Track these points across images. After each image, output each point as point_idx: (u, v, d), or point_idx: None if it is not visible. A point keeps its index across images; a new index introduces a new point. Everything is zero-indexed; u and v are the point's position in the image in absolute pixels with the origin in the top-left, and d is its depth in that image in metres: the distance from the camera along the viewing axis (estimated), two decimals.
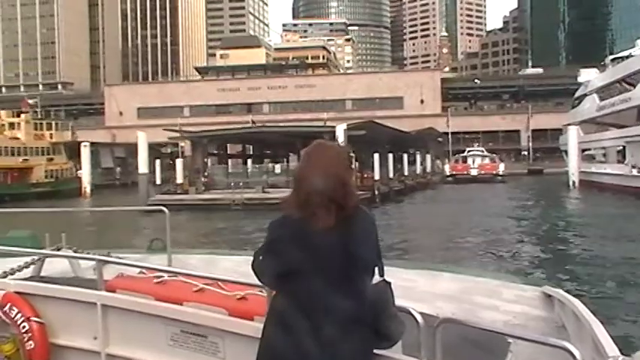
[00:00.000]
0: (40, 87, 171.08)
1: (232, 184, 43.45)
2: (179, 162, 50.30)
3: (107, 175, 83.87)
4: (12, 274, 5.52)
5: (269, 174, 50.76)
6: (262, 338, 2.92)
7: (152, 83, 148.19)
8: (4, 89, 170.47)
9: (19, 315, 4.43)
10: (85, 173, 63.06)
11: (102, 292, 4.36)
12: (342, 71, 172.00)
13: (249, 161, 61.98)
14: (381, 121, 74.28)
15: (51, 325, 4.49)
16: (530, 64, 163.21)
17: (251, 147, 64.73)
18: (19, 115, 67.04)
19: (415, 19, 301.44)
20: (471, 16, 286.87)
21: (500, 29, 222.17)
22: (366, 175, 48.17)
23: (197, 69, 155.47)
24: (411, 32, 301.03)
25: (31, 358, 4.38)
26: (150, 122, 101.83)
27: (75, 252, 6.43)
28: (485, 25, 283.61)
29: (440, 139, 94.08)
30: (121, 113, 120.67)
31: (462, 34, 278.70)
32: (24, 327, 4.39)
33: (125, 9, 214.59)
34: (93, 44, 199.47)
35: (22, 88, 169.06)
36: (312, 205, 2.72)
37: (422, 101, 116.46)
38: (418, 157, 66.71)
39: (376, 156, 47.75)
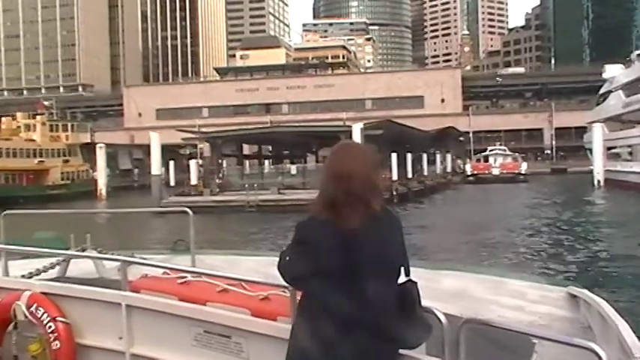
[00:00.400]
0: (61, 89, 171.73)
1: (246, 185, 42.38)
2: (193, 163, 49.33)
3: (125, 176, 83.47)
4: (38, 275, 5.70)
5: (285, 175, 49.66)
6: (291, 339, 2.92)
7: (171, 84, 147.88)
8: (25, 92, 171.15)
9: (46, 315, 4.45)
10: (101, 175, 62.40)
11: (126, 292, 4.38)
12: (362, 71, 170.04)
13: (268, 162, 61.19)
14: (401, 121, 73.12)
15: (76, 325, 4.51)
16: (552, 61, 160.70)
17: (269, 147, 63.74)
18: (34, 117, 66.47)
19: (436, 17, 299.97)
20: (492, 14, 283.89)
21: (522, 27, 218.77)
22: (383, 176, 46.93)
23: (217, 70, 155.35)
24: (432, 31, 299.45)
25: (57, 357, 4.38)
26: (169, 123, 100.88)
27: (99, 253, 6.52)
28: (507, 23, 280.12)
29: (461, 138, 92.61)
30: (140, 114, 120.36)
31: (483, 32, 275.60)
32: (50, 327, 4.41)
33: (145, 10, 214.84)
34: (113, 46, 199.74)
35: (43, 91, 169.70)
36: (339, 205, 2.72)
37: (442, 100, 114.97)
38: (438, 157, 65.27)
39: (394, 156, 46.44)
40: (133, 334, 4.35)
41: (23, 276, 5.50)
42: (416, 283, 2.91)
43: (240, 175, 49.22)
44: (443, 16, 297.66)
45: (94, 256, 6.39)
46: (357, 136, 40.28)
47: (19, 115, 66.78)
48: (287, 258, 2.91)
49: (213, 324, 3.97)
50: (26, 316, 4.52)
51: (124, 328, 4.33)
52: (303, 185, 46.90)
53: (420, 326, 2.87)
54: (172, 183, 50.82)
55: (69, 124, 70.46)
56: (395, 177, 46.48)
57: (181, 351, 4.12)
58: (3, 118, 65.83)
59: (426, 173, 60.19)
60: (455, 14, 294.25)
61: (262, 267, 5.96)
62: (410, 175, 52.57)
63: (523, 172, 72.94)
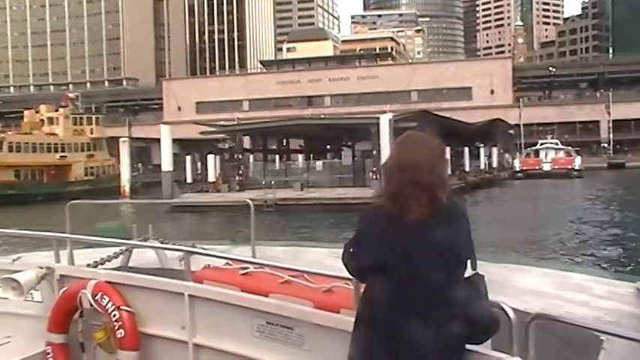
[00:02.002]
0: (106, 83, 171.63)
1: (264, 182, 38.73)
2: (211, 158, 45.80)
3: (159, 172, 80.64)
4: (102, 264, 5.78)
5: (310, 171, 45.70)
6: (354, 332, 2.87)
7: (211, 77, 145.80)
8: (71, 86, 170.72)
9: (110, 304, 4.50)
10: (124, 171, 59.34)
11: (189, 282, 4.41)
12: (407, 62, 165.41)
13: (300, 157, 57.45)
14: (448, 113, 69.04)
15: (140, 314, 4.55)
16: (611, 51, 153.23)
17: (301, 141, 59.77)
18: (57, 110, 63.91)
19: (489, 8, 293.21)
20: (547, 3, 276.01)
21: (578, 16, 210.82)
22: None
23: (262, 62, 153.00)
24: (484, 22, 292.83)
25: (121, 345, 4.43)
26: (209, 117, 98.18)
27: (161, 243, 6.60)
28: (563, 12, 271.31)
29: (511, 131, 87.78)
30: (179, 108, 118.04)
31: (537, 23, 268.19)
32: (115, 315, 4.47)
33: (192, 4, 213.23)
34: (158, 40, 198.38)
35: (88, 85, 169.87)
36: (404, 196, 2.69)
37: (492, 91, 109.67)
38: (482, 151, 60.56)
39: None
40: (196, 324, 4.37)
41: (88, 265, 5.52)
42: (483, 276, 2.83)
43: (261, 171, 45.42)
44: (496, 7, 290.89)
45: (156, 246, 6.48)
46: (385, 129, 36.13)
47: (42, 107, 64.31)
48: (350, 249, 2.86)
49: (276, 315, 3.95)
50: (92, 305, 4.56)
51: (187, 318, 4.35)
52: (330, 182, 43.07)
53: (488, 321, 2.76)
54: (189, 179, 47.24)
55: (94, 117, 67.58)
56: None
57: (243, 342, 4.13)
58: (26, 112, 63.47)
59: (467, 169, 55.58)
60: (508, 4, 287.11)
61: (324, 258, 6.34)
62: (449, 172, 47.99)
63: (577, 167, 68.26)
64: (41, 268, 5.02)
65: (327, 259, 5.48)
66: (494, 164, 66.16)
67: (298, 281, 4.02)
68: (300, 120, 44.19)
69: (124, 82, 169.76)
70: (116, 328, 4.45)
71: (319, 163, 45.97)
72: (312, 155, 57.27)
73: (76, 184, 59.15)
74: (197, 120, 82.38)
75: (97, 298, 4.55)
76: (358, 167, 44.11)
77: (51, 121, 62.64)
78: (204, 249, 5.44)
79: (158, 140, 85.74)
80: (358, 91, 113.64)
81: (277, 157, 57.17)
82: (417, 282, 2.65)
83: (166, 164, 40.09)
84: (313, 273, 4.04)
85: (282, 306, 3.92)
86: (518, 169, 69.41)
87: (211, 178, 45.19)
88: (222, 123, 53.40)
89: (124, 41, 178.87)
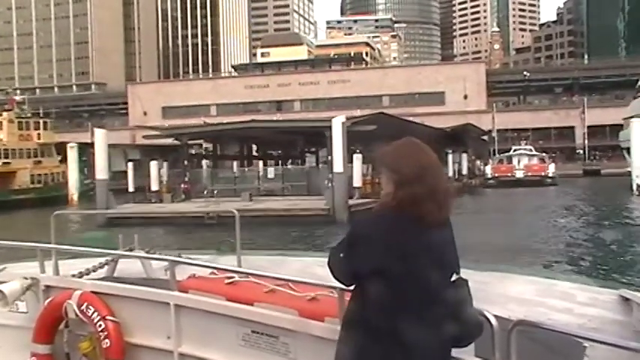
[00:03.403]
0: (74, 88, 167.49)
1: (205, 192, 35.39)
2: (153, 165, 42.24)
3: (119, 179, 76.64)
4: (87, 275, 5.70)
5: (262, 179, 42.32)
6: (348, 335, 2.87)
7: (177, 81, 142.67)
8: (38, 91, 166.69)
9: (96, 314, 4.53)
10: (72, 178, 55.65)
11: (175, 292, 4.43)
12: (378, 65, 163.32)
13: (261, 164, 54.14)
14: (421, 119, 66.20)
15: (126, 324, 4.58)
16: (586, 56, 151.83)
17: (255, 147, 56.26)
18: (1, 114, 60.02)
19: (465, 14, 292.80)
20: (523, 10, 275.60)
21: (553, 22, 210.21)
22: (377, 181, 39.62)
23: (234, 67, 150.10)
24: (461, 29, 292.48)
25: (107, 355, 4.46)
26: (175, 122, 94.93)
27: (147, 253, 6.61)
28: (539, 19, 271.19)
29: (484, 137, 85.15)
30: (145, 113, 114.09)
31: (514, 29, 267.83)
32: (100, 325, 4.50)
33: (165, 8, 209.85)
34: (128, 44, 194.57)
35: (55, 90, 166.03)
36: (422, 200, 2.71)
37: (465, 96, 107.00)
38: (450, 158, 57.62)
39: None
40: (182, 334, 4.40)
41: (73, 275, 5.46)
42: (467, 280, 2.87)
43: (210, 179, 41.96)
44: (472, 13, 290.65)
45: (142, 255, 6.47)
46: (337, 133, 32.87)
47: None
48: (341, 254, 2.82)
49: (261, 324, 4.00)
50: (77, 315, 4.59)
51: (173, 328, 4.39)
52: (282, 191, 39.79)
53: (474, 323, 2.83)
54: (131, 188, 43.61)
55: (41, 122, 63.63)
56: None
57: (229, 351, 4.16)
58: None
59: None
60: (485, 11, 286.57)
61: (309, 267, 6.38)
62: None
63: (551, 174, 65.35)
64: (26, 278, 5.05)
65: (312, 268, 5.71)
66: (464, 171, 63.11)
67: (283, 290, 4.05)
68: (249, 123, 40.74)
69: (93, 87, 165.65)
70: (102, 338, 4.47)
71: (271, 170, 42.55)
72: (270, 162, 54.21)
73: (20, 192, 55.36)
74: (163, 125, 79.16)
75: (82, 308, 4.57)
76: (313, 174, 40.85)
77: None
78: (190, 258, 5.49)
79: (119, 145, 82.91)
80: (329, 96, 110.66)
81: (235, 163, 53.62)
82: (426, 284, 2.66)
83: (100, 171, 36.41)
84: (298, 282, 4.05)
85: (267, 315, 3.96)
86: (489, 176, 66.58)
87: (154, 186, 41.58)
88: (165, 126, 50.06)
89: (93, 45, 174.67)
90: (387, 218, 2.72)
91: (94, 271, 5.94)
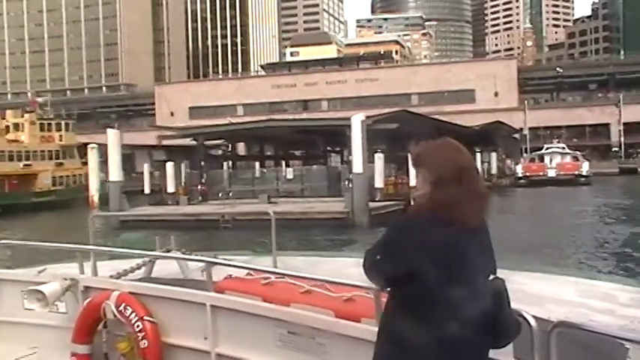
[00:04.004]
0: (104, 89, 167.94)
1: (220, 194, 34.13)
2: (169, 166, 41.05)
3: (142, 180, 76.12)
4: (125, 275, 6.01)
5: (281, 180, 40.85)
6: (383, 340, 2.86)
7: (204, 81, 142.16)
8: (69, 92, 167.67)
9: (134, 314, 4.56)
10: (93, 180, 54.79)
11: (211, 293, 4.46)
12: (407, 63, 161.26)
13: (285, 165, 52.72)
14: (450, 117, 64.27)
15: (163, 324, 4.60)
16: (622, 51, 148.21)
17: (276, 147, 54.74)
18: (22, 116, 59.38)
19: (498, 11, 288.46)
20: (557, 5, 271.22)
21: (588, 17, 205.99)
22: (400, 181, 38.01)
23: (262, 66, 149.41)
24: (493, 26, 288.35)
25: (145, 356, 4.47)
26: (202, 122, 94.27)
27: (183, 254, 6.79)
28: (573, 15, 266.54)
29: (515, 135, 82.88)
30: (172, 114, 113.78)
31: (547, 25, 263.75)
32: (138, 326, 4.52)
33: (195, 9, 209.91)
34: (157, 45, 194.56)
35: (85, 91, 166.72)
36: (464, 204, 2.69)
37: (496, 94, 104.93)
38: (479, 157, 55.62)
39: (410, 156, 37.17)
40: (218, 334, 4.41)
41: (111, 276, 5.62)
42: (504, 280, 2.82)
43: (227, 180, 40.65)
44: (504, 10, 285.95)
45: (179, 257, 6.70)
46: (357, 132, 31.28)
47: (8, 113, 59.69)
48: (377, 257, 2.77)
49: (297, 325, 3.99)
50: (115, 315, 4.62)
51: (209, 328, 4.40)
52: (301, 193, 38.33)
53: (511, 324, 2.78)
54: (147, 190, 42.51)
55: (63, 123, 62.89)
56: (413, 182, 37.18)
57: (266, 351, 4.16)
58: None
59: None
60: (517, 7, 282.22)
61: (344, 268, 6.66)
62: None
63: (584, 172, 62.97)
64: (65, 279, 5.08)
65: (347, 269, 5.77)
66: (494, 170, 61.08)
67: (319, 291, 4.06)
68: (266, 122, 39.32)
69: (122, 88, 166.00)
70: (139, 338, 4.48)
71: (290, 171, 41.05)
72: (294, 162, 52.79)
73: (41, 194, 54.68)
74: (189, 125, 78.38)
75: (120, 308, 4.60)
76: (333, 175, 39.27)
77: (17, 127, 58.07)
78: (226, 259, 5.55)
79: (144, 146, 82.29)
80: (356, 95, 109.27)
81: (257, 164, 52.32)
82: (463, 287, 2.62)
83: (114, 173, 35.38)
84: (334, 282, 4.04)
85: (303, 315, 3.95)
86: (520, 175, 64.42)
87: (170, 188, 40.40)
88: (180, 126, 48.87)
89: (122, 47, 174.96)
90: (424, 220, 2.67)
91: (131, 272, 6.20)
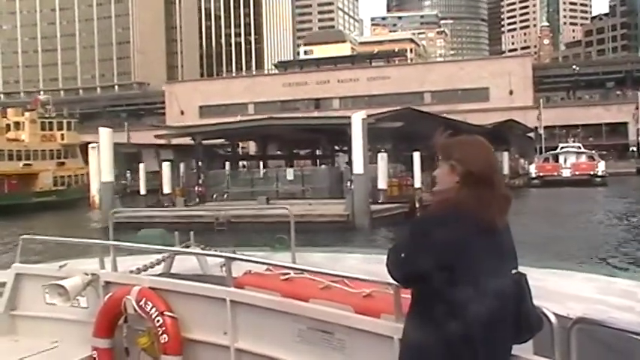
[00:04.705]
0: (116, 88, 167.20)
1: (215, 195, 32.77)
2: (165, 166, 39.69)
3: (151, 180, 74.95)
4: (145, 271, 5.95)
5: (281, 181, 39.37)
6: (409, 337, 2.86)
7: (214, 79, 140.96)
8: (81, 91, 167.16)
9: (154, 309, 4.57)
10: (93, 180, 53.66)
11: (231, 288, 4.47)
12: (420, 61, 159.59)
13: (292, 164, 51.28)
14: (464, 115, 62.57)
15: (183, 319, 4.62)
16: None
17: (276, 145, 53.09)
18: (23, 114, 58.34)
19: (514, 9, 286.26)
20: (574, 3, 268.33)
21: (605, 14, 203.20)
22: (405, 183, 36.46)
23: (275, 65, 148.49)
24: (509, 24, 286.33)
25: (165, 351, 4.51)
26: (213, 121, 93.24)
27: (202, 250, 6.87)
28: (591, 12, 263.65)
29: (530, 134, 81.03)
30: (182, 112, 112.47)
31: (564, 23, 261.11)
32: (158, 321, 4.54)
33: (208, 7, 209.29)
34: (170, 43, 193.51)
35: (98, 90, 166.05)
36: (490, 205, 2.69)
37: (511, 92, 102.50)
38: None
39: (416, 155, 35.39)
40: (238, 330, 4.43)
41: (132, 271, 5.65)
42: (525, 275, 2.83)
43: (226, 180, 39.21)
44: (521, 8, 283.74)
45: (198, 252, 6.67)
46: (357, 130, 29.79)
47: (9, 111, 58.70)
48: (402, 255, 2.75)
49: (317, 320, 4.00)
50: (136, 310, 4.64)
51: (229, 324, 4.42)
52: (302, 194, 36.85)
53: (532, 319, 2.80)
54: (143, 191, 41.18)
55: (65, 122, 61.75)
56: (418, 183, 35.51)
57: (285, 347, 4.16)
58: None
59: None
60: (534, 5, 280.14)
61: (363, 264, 6.73)
62: None
63: (600, 172, 61.15)
64: (87, 274, 5.14)
65: (366, 265, 5.89)
66: (505, 171, 59.37)
67: (338, 286, 4.06)
68: (265, 121, 37.84)
69: (134, 87, 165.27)
70: (160, 333, 4.50)
71: (290, 171, 39.53)
72: (301, 162, 51.32)
73: (42, 194, 53.63)
74: (199, 124, 77.09)
75: (141, 303, 4.61)
76: (335, 176, 37.73)
77: (17, 126, 57.02)
78: (245, 255, 5.48)
79: (151, 145, 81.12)
80: (368, 93, 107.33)
81: (261, 164, 50.88)
82: (489, 285, 2.61)
83: (106, 174, 34.08)
84: (353, 278, 4.04)
85: (322, 311, 3.95)
86: (534, 175, 62.65)
87: (167, 189, 39.04)
88: (177, 125, 47.47)
89: (134, 45, 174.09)
90: (450, 218, 2.65)
91: (151, 267, 6.20)
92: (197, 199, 37.20)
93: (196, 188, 38.16)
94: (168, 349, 4.45)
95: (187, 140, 57.40)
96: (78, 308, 5.15)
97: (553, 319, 2.88)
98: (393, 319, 3.43)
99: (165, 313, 4.53)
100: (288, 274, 4.39)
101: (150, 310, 4.55)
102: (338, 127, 34.70)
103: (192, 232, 7.07)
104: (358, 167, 30.19)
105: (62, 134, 59.81)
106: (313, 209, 31.00)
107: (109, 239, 5.95)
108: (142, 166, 43.62)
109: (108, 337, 4.80)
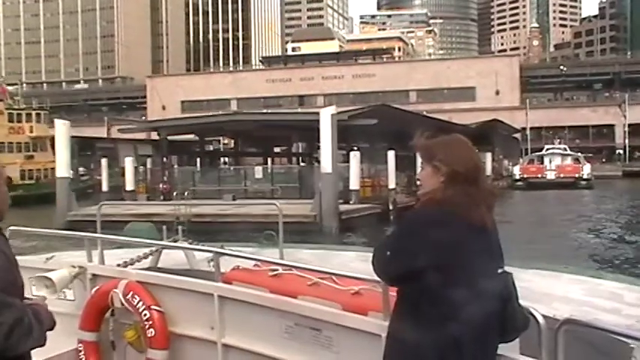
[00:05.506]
0: (100, 82, 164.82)
1: (175, 193, 30.94)
2: (128, 162, 37.77)
3: (117, 175, 73.11)
4: (132, 264, 6.06)
5: (249, 179, 37.53)
6: (395, 336, 2.83)
7: (197, 74, 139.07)
8: (64, 84, 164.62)
9: (141, 303, 4.56)
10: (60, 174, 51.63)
11: (219, 283, 4.45)
12: (405, 59, 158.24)
13: (267, 162, 49.52)
14: (450, 115, 61.01)
15: (170, 314, 4.60)
16: (629, 52, 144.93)
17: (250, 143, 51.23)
18: None
19: (504, 10, 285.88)
20: (564, 5, 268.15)
21: (595, 16, 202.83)
22: (378, 183, 34.72)
23: (261, 61, 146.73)
24: (499, 24, 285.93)
25: (151, 344, 4.50)
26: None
27: (190, 244, 6.94)
28: (580, 14, 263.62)
29: (515, 135, 79.63)
30: (164, 107, 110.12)
31: (554, 25, 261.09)
32: (145, 315, 4.53)
33: (196, 2, 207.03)
34: (156, 38, 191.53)
35: (81, 83, 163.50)
36: (476, 199, 2.68)
37: (497, 92, 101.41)
38: None
39: (390, 155, 33.51)
40: (225, 325, 4.41)
41: (119, 265, 5.71)
42: (511, 274, 2.83)
43: (192, 177, 37.35)
44: (511, 9, 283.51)
45: (186, 247, 6.80)
46: (326, 127, 28.05)
47: None
48: (387, 253, 2.73)
49: (304, 317, 4.00)
50: (123, 304, 4.65)
51: (216, 319, 4.40)
52: (271, 193, 35.01)
53: (518, 318, 2.79)
54: (105, 187, 39.25)
55: (34, 114, 59.52)
56: (392, 184, 33.69)
57: (272, 343, 4.16)
58: None
59: None
60: (524, 6, 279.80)
61: (352, 261, 6.93)
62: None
63: (586, 175, 59.59)
64: (74, 267, 5.11)
65: (355, 262, 6.12)
66: (488, 172, 57.72)
67: (327, 283, 4.04)
68: (232, 116, 36.02)
69: (118, 81, 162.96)
70: (146, 327, 4.49)
71: (258, 169, 37.68)
72: (277, 159, 49.45)
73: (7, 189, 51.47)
74: (131, 119, 75.15)
75: (128, 297, 4.61)
76: (306, 175, 35.91)
77: None
78: (233, 250, 5.41)
79: (129, 140, 79.03)
80: (353, 91, 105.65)
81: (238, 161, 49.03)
82: (476, 282, 2.60)
83: (62, 169, 32.12)
84: (342, 275, 4.04)
85: (310, 308, 3.95)
86: (518, 177, 61.06)
87: (129, 186, 37.13)
88: (141, 120, 45.60)
89: (119, 39, 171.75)
90: (435, 217, 2.64)
91: (138, 261, 6.33)
92: (162, 197, 35.34)
93: (161, 186, 36.27)
94: (154, 343, 4.43)
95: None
96: (64, 301, 5.11)
97: (541, 319, 2.85)
98: (380, 317, 3.40)
99: (152, 307, 4.50)
100: (277, 270, 4.31)
101: (137, 304, 4.52)
102: (309, 123, 32.79)
103: (180, 227, 7.10)
104: (327, 166, 28.41)
105: (31, 126, 57.61)
106: (275, 210, 29.13)
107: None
108: (104, 161, 41.55)
109: (94, 330, 4.79)
